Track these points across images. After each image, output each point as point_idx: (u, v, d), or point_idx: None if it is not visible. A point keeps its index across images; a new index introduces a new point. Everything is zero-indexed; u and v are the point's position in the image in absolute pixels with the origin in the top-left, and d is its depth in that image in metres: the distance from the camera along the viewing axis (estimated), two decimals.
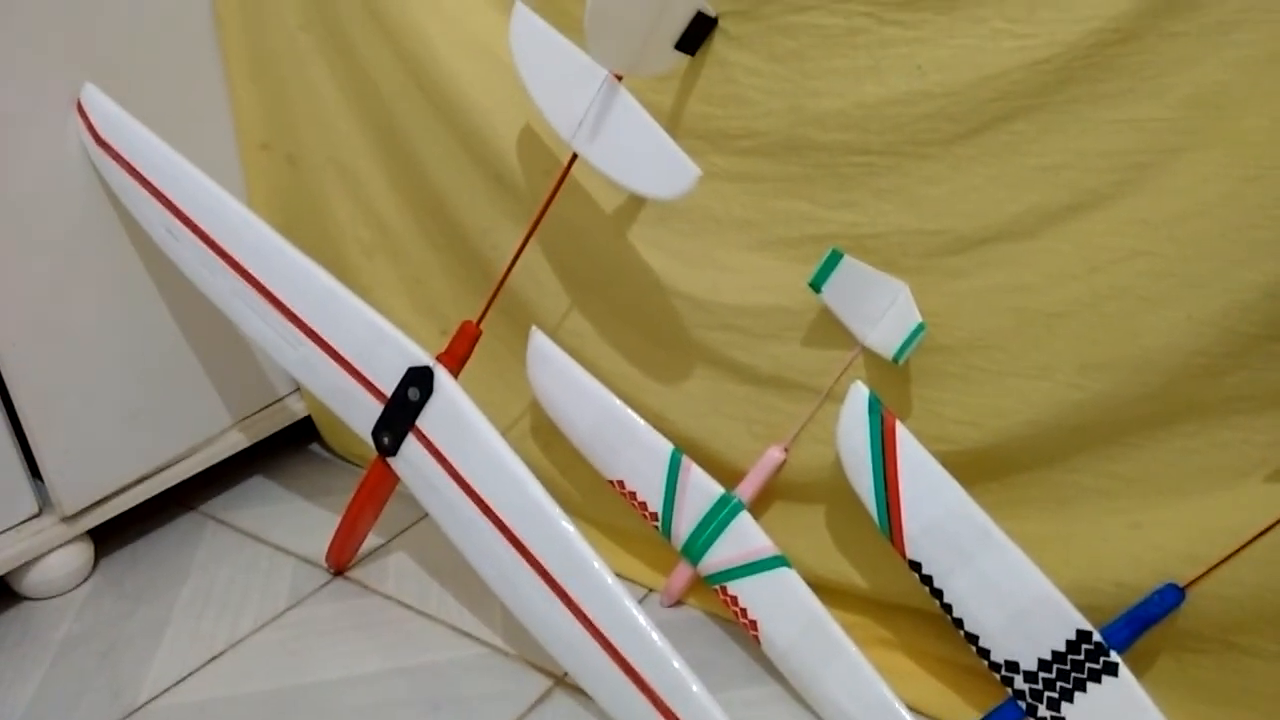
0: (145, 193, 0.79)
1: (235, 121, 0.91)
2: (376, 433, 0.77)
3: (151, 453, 0.89)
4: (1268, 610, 0.61)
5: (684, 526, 0.77)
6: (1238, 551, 0.59)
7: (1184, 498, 0.63)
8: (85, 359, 0.83)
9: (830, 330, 0.72)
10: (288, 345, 0.78)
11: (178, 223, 0.79)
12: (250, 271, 0.78)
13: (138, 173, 0.79)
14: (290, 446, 1.05)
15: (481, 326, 0.76)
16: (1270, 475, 0.60)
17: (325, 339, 0.77)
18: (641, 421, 0.77)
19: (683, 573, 0.81)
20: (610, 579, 0.68)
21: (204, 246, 0.78)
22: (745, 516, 0.75)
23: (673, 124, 0.73)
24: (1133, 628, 0.62)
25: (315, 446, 1.07)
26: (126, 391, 0.86)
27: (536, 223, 0.73)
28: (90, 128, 0.79)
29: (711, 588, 0.77)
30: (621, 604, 0.67)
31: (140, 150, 0.79)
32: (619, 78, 0.69)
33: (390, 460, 0.77)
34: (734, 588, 0.75)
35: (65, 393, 0.82)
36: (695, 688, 0.65)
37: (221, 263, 0.78)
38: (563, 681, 0.75)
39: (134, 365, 0.86)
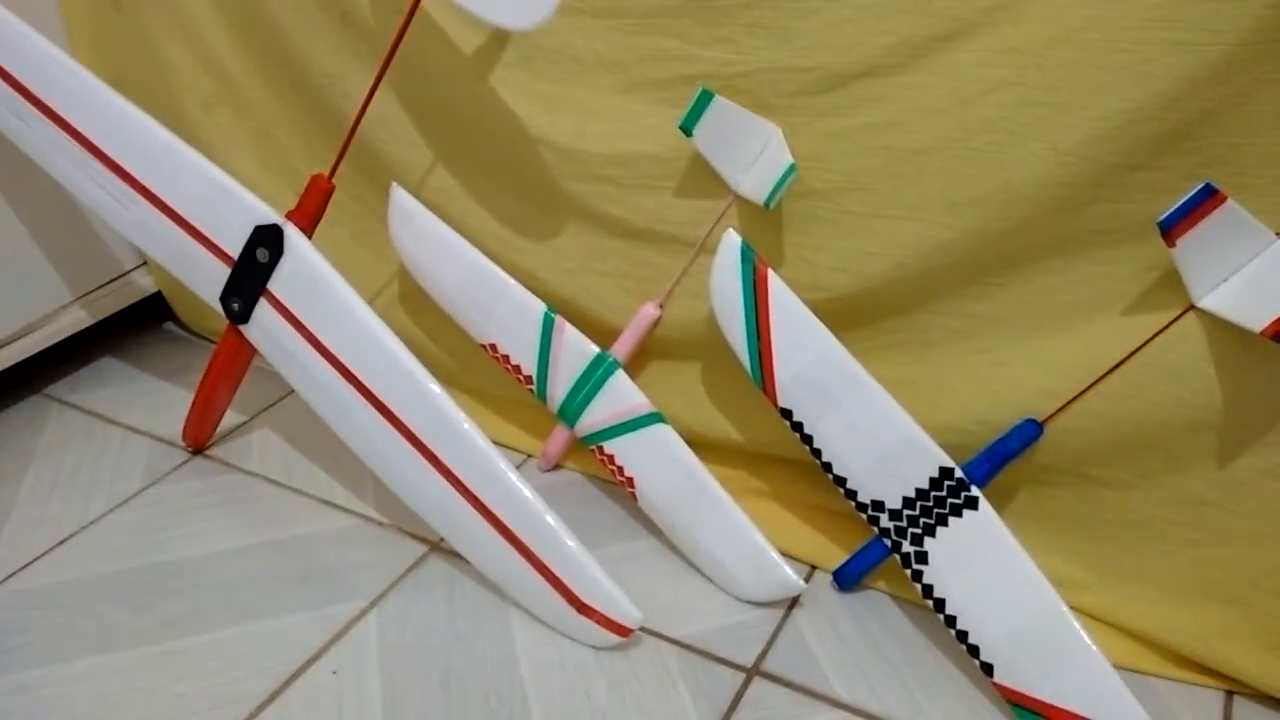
0: None
1: None
2: (225, 298, 0.72)
3: None
4: (1122, 442, 0.62)
5: (560, 388, 0.75)
6: (1093, 385, 0.61)
7: (1045, 335, 0.63)
8: None
9: (702, 178, 0.69)
10: (120, 205, 0.72)
11: None
12: (71, 123, 0.70)
13: None
14: (142, 326, 0.99)
15: (334, 181, 0.71)
16: (1127, 309, 0.61)
17: (161, 198, 0.71)
18: (512, 281, 0.75)
19: (560, 436, 0.80)
20: (480, 439, 0.66)
21: (14, 94, 0.71)
22: (621, 375, 0.74)
23: None
24: (993, 462, 0.63)
25: (169, 325, 1.01)
26: None
27: (386, 64, 0.68)
28: None
29: (588, 449, 0.76)
30: (492, 463, 0.66)
31: None
32: None
33: (243, 328, 0.72)
34: (610, 446, 0.74)
35: None
36: (570, 542, 0.65)
37: (36, 112, 0.71)
38: (438, 547, 0.74)
39: None
